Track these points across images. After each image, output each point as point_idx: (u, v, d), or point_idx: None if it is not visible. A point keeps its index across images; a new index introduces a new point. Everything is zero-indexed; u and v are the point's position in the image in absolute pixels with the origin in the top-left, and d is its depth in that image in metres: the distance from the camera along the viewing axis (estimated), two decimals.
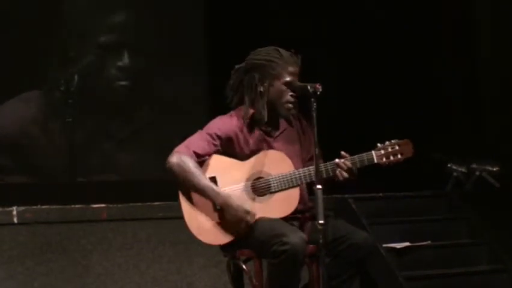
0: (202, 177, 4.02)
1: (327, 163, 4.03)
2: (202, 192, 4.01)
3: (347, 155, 4.03)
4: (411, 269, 5.54)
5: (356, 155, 4.03)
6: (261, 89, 4.13)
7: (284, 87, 4.09)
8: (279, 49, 4.15)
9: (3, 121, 6.10)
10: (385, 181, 4.64)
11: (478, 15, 7.28)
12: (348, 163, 4.00)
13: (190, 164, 4.01)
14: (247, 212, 3.98)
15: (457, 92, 7.31)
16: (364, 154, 4.04)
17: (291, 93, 4.09)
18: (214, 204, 4.03)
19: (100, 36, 6.45)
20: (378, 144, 4.07)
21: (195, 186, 4.02)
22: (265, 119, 4.13)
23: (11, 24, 6.12)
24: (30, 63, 6.13)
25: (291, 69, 4.10)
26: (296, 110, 4.18)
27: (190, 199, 4.07)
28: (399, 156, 4.05)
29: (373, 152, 4.05)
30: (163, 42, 6.63)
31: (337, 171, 4.01)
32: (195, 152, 4.04)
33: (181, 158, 4.02)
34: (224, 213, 4.01)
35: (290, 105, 4.11)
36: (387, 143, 4.07)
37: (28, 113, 6.19)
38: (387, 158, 4.05)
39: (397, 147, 4.06)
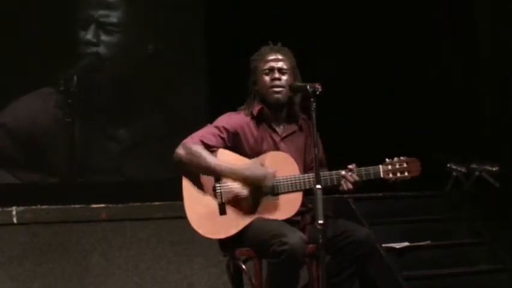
0: (213, 158, 4.04)
1: (333, 172, 4.03)
2: (215, 170, 4.02)
3: (354, 168, 4.02)
4: (411, 269, 5.53)
5: (363, 168, 4.02)
6: (256, 88, 4.20)
7: (264, 77, 4.15)
8: (262, 47, 4.24)
9: (17, 115, 6.14)
10: (385, 181, 4.64)
11: (478, 15, 7.28)
12: (355, 176, 4.00)
13: (198, 149, 4.03)
14: (265, 176, 3.99)
15: (457, 92, 7.32)
16: (371, 168, 4.02)
17: (271, 77, 4.13)
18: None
19: (99, 38, 6.46)
20: (387, 159, 4.05)
21: (207, 167, 4.02)
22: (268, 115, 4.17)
23: (11, 25, 6.14)
24: (30, 64, 6.15)
25: (268, 57, 4.17)
26: (292, 108, 4.19)
27: (192, 193, 4.07)
28: (406, 173, 4.03)
29: (380, 166, 4.03)
30: (163, 42, 6.64)
31: (342, 182, 4.02)
32: (201, 141, 4.06)
33: (188, 146, 4.04)
34: (244, 186, 4.02)
35: (274, 88, 4.13)
36: (395, 159, 4.05)
37: (42, 109, 6.22)
38: (394, 174, 4.03)
39: (405, 165, 4.04)
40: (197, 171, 4.06)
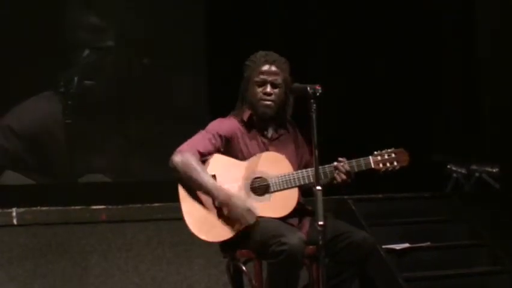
0: (205, 175, 4.04)
1: (326, 166, 4.06)
2: (205, 189, 4.03)
3: (345, 160, 4.06)
4: (411, 270, 5.54)
5: (354, 160, 4.09)
6: (246, 95, 4.21)
7: (256, 88, 4.16)
8: (258, 52, 4.22)
9: (22, 118, 6.14)
10: (385, 182, 4.65)
11: (478, 15, 7.28)
12: (347, 166, 4.05)
13: (193, 161, 4.04)
14: (249, 211, 3.99)
15: (457, 93, 7.31)
16: (361, 159, 4.10)
17: (263, 91, 4.13)
18: (214, 202, 4.05)
19: (99, 38, 6.45)
20: (375, 152, 4.13)
21: (198, 184, 4.03)
22: (255, 121, 4.19)
23: (11, 25, 6.14)
24: (30, 65, 6.14)
25: (262, 68, 4.16)
26: (282, 113, 4.21)
27: (190, 196, 4.08)
28: (395, 163, 4.12)
29: (370, 157, 4.11)
30: (163, 45, 6.63)
31: (335, 174, 4.04)
32: (197, 151, 4.07)
33: (184, 156, 4.05)
34: (225, 211, 4.02)
35: (264, 102, 4.14)
36: (384, 150, 4.14)
37: (48, 111, 6.21)
38: (384, 164, 4.10)
39: (393, 155, 4.12)
40: (189, 184, 4.07)
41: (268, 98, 4.14)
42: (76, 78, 6.30)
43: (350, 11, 7.04)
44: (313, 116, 3.80)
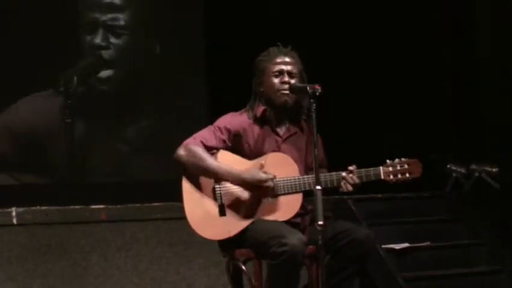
0: (213, 161, 4.05)
1: (333, 173, 4.04)
2: (215, 173, 4.03)
3: (354, 169, 4.02)
4: (411, 270, 5.53)
5: (363, 169, 4.02)
6: (261, 89, 4.19)
7: (273, 79, 4.15)
8: (270, 48, 4.23)
9: (18, 117, 6.13)
10: (385, 182, 4.64)
11: (478, 15, 7.28)
12: (355, 178, 4.01)
13: (199, 151, 4.04)
14: (265, 180, 4.00)
15: (457, 93, 7.31)
16: (371, 169, 4.02)
17: (280, 81, 4.13)
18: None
19: (99, 36, 6.45)
20: (388, 161, 4.06)
21: (207, 169, 4.03)
22: (271, 117, 4.18)
23: (11, 25, 6.14)
24: (30, 64, 6.14)
25: (277, 60, 4.17)
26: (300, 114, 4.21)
27: (192, 193, 4.08)
28: (407, 175, 4.04)
29: (381, 167, 4.04)
30: (163, 43, 6.63)
31: (342, 183, 4.02)
32: (202, 143, 4.07)
33: (188, 147, 4.05)
34: (243, 192, 4.03)
35: (283, 91, 4.13)
36: (396, 160, 4.05)
37: (43, 110, 6.21)
38: (395, 175, 4.03)
39: (406, 166, 4.04)
40: (197, 173, 4.07)
41: (287, 87, 4.12)
42: (75, 78, 6.30)
43: (350, 12, 7.03)
44: (313, 115, 3.80)
